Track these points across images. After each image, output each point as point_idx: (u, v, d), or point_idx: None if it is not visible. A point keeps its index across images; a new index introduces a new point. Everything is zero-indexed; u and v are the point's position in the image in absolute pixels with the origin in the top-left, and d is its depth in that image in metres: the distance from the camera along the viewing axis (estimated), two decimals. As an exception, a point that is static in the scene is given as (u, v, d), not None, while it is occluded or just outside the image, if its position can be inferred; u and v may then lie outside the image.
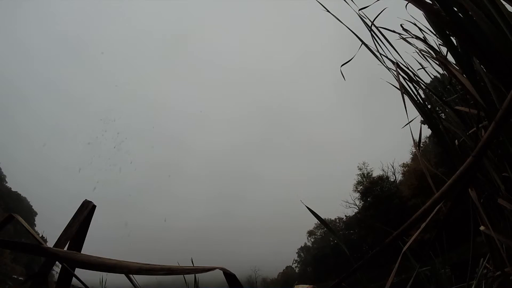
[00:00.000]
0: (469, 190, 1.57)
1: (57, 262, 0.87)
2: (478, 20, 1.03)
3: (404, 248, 1.27)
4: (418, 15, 1.88)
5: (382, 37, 1.87)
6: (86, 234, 1.02)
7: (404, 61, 1.94)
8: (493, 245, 1.63)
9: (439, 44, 1.95)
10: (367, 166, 42.68)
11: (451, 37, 1.36)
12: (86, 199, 1.04)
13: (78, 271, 0.97)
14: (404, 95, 1.73)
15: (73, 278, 0.98)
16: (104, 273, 3.16)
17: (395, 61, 1.87)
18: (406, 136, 2.10)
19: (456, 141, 1.87)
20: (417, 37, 2.04)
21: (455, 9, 1.10)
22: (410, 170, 35.61)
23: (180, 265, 0.79)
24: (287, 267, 54.71)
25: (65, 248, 0.93)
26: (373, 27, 1.88)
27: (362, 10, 1.90)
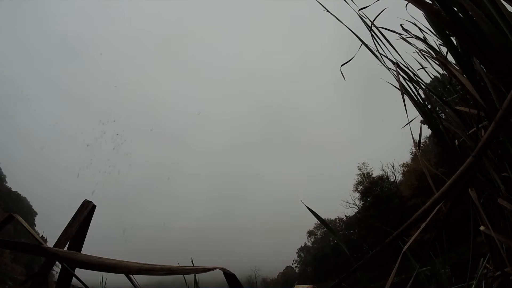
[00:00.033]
0: (469, 190, 1.57)
1: (57, 262, 0.87)
2: (478, 20, 1.03)
3: (404, 248, 1.27)
4: (418, 15, 1.88)
5: (382, 37, 1.87)
6: (86, 234, 1.02)
7: (404, 61, 1.94)
8: (493, 245, 1.63)
9: (439, 44, 1.95)
10: (367, 166, 42.71)
11: (451, 37, 1.36)
12: (86, 199, 1.04)
13: (78, 271, 0.97)
14: (404, 95, 1.73)
15: (73, 278, 0.98)
16: (104, 273, 3.16)
17: (395, 61, 1.87)
18: (406, 136, 2.10)
19: (456, 141, 1.87)
20: (417, 37, 2.04)
21: (455, 9, 1.10)
22: (410, 170, 35.61)
23: (180, 265, 0.79)
24: (287, 267, 54.74)
25: (65, 248, 0.93)
26: (373, 27, 1.88)
27: (362, 10, 1.90)
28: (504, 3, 1.01)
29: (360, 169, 42.74)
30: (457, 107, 1.93)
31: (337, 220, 46.07)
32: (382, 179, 40.82)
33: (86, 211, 1.01)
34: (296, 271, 52.07)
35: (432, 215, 0.95)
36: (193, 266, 0.81)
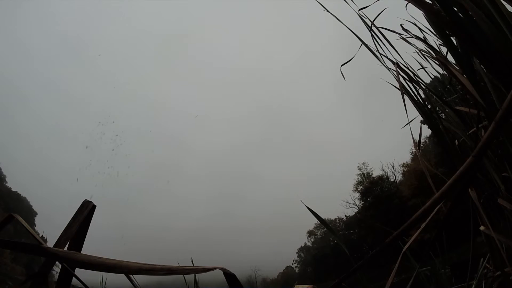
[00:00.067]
0: (469, 190, 1.57)
1: (57, 262, 0.87)
2: (478, 20, 1.03)
3: (404, 248, 1.27)
4: (418, 15, 1.88)
5: (382, 37, 1.87)
6: (86, 234, 1.02)
7: (404, 61, 1.94)
8: (493, 245, 1.63)
9: (439, 44, 1.95)
10: (367, 166, 42.71)
11: (451, 37, 1.36)
12: (86, 199, 1.04)
13: (78, 271, 0.97)
14: (404, 95, 1.73)
15: (73, 278, 0.98)
16: (104, 273, 3.16)
17: (395, 61, 1.88)
18: (406, 136, 2.09)
19: (456, 141, 1.87)
20: (417, 37, 2.04)
21: (455, 9, 1.10)
22: (410, 170, 35.60)
23: (180, 265, 0.79)
24: (287, 267, 54.74)
25: (65, 248, 0.93)
26: (373, 27, 1.88)
27: (362, 10, 1.90)
28: (504, 3, 1.01)
29: (360, 169, 42.78)
30: (457, 107, 1.93)
31: (337, 220, 46.09)
32: (382, 179, 40.82)
33: (86, 211, 1.01)
34: (296, 271, 52.08)
35: (432, 215, 0.95)
36: (193, 266, 0.81)
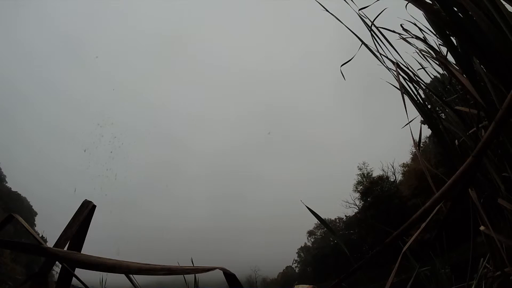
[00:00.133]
0: (469, 190, 1.57)
1: (57, 262, 0.87)
2: (478, 20, 1.03)
3: (404, 248, 1.27)
4: (418, 15, 1.88)
5: (382, 37, 1.88)
6: (86, 234, 1.02)
7: (404, 61, 1.94)
8: (493, 245, 1.63)
9: (439, 44, 1.95)
10: (367, 166, 42.68)
11: (451, 37, 1.36)
12: (86, 199, 1.04)
13: (78, 271, 0.97)
14: (404, 95, 1.73)
15: (73, 278, 0.98)
16: (104, 273, 3.16)
17: (395, 61, 1.88)
18: (406, 136, 2.09)
19: (456, 141, 1.88)
20: (417, 37, 2.05)
21: (455, 9, 1.10)
22: (410, 170, 35.61)
23: (180, 265, 0.79)
24: (287, 267, 54.74)
25: (65, 248, 0.93)
26: (373, 27, 1.88)
27: (362, 10, 1.91)
28: (504, 3, 1.01)
29: (360, 169, 42.76)
30: (457, 107, 1.93)
31: (337, 220, 46.08)
32: (382, 179, 40.81)
33: (86, 211, 1.01)
34: (296, 271, 52.07)
35: (432, 215, 0.95)
36: (193, 266, 0.81)
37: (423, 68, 2.26)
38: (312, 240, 50.13)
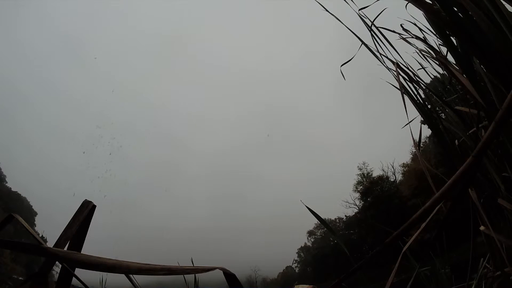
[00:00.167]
0: (469, 190, 1.57)
1: (57, 262, 0.87)
2: (478, 20, 1.03)
3: (404, 248, 1.27)
4: (418, 15, 1.88)
5: (382, 37, 1.88)
6: (86, 234, 1.02)
7: (404, 61, 1.94)
8: (493, 245, 1.63)
9: (439, 44, 1.95)
10: (367, 166, 42.66)
11: (451, 37, 1.36)
12: (86, 199, 1.04)
13: (78, 271, 0.97)
14: (404, 95, 1.73)
15: (73, 278, 0.98)
16: (104, 273, 3.16)
17: (395, 61, 1.88)
18: (406, 136, 2.09)
19: (456, 141, 1.88)
20: (417, 37, 2.05)
21: (455, 9, 1.10)
22: (410, 170, 35.59)
23: (180, 265, 0.79)
24: (287, 267, 54.72)
25: (65, 248, 0.93)
26: (373, 27, 1.88)
27: (362, 10, 1.90)
28: (504, 3, 1.01)
29: (360, 169, 42.73)
30: (457, 107, 1.93)
31: (337, 220, 46.06)
32: (382, 179, 40.79)
33: (86, 211, 1.01)
34: (296, 271, 52.05)
35: (432, 215, 0.95)
36: (193, 266, 0.81)
37: (423, 68, 2.26)
38: (312, 240, 50.12)
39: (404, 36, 2.08)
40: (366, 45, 1.91)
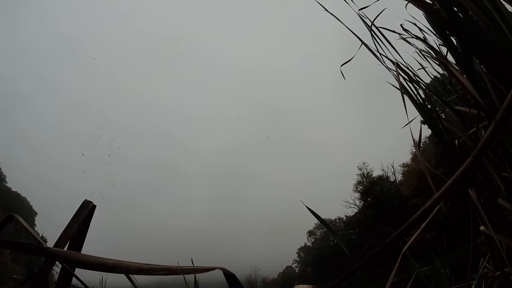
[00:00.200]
0: (469, 190, 1.57)
1: (57, 262, 0.87)
2: (478, 20, 1.03)
3: (404, 248, 1.27)
4: (418, 15, 1.88)
5: (382, 37, 1.88)
6: (86, 234, 1.02)
7: (404, 61, 1.94)
8: (493, 245, 1.63)
9: (439, 44, 1.95)
10: (367, 166, 42.66)
11: (451, 37, 1.36)
12: (86, 199, 1.04)
13: (78, 271, 0.97)
14: (404, 95, 1.73)
15: (73, 278, 0.98)
16: (104, 273, 3.16)
17: (395, 61, 1.88)
18: (406, 136, 2.09)
19: (456, 141, 1.88)
20: (417, 37, 2.05)
21: (455, 9, 1.10)
22: (410, 170, 35.60)
23: (180, 265, 0.79)
24: (287, 267, 54.73)
25: (65, 248, 0.93)
26: (373, 27, 1.88)
27: (362, 10, 1.90)
28: (504, 3, 1.01)
29: (360, 169, 42.74)
30: (457, 107, 1.93)
31: (337, 220, 46.06)
32: (382, 179, 40.79)
33: (86, 211, 1.01)
34: (296, 271, 52.06)
35: (432, 215, 0.95)
36: (193, 266, 0.81)
37: (423, 68, 2.26)
38: (312, 240, 50.13)
39: (404, 36, 2.08)
40: (366, 45, 1.91)
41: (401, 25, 2.08)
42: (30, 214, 44.23)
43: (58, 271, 0.97)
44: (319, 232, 48.36)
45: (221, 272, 0.78)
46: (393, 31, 2.08)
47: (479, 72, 1.32)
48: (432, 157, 24.33)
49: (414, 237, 1.27)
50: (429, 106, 1.95)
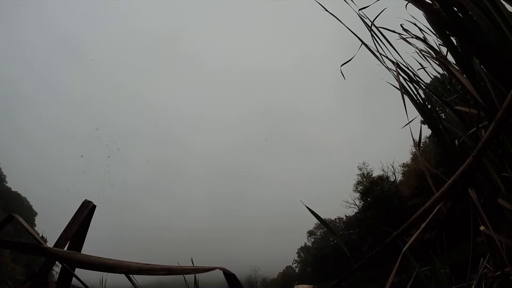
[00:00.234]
0: (469, 190, 1.57)
1: (57, 262, 0.87)
2: (478, 20, 1.03)
3: (404, 248, 1.27)
4: (418, 15, 1.88)
5: (382, 37, 1.88)
6: (86, 234, 1.02)
7: (404, 61, 1.94)
8: (493, 245, 1.63)
9: (439, 44, 1.95)
10: (367, 166, 42.66)
11: (451, 37, 1.36)
12: (86, 199, 1.04)
13: (78, 271, 0.98)
14: (404, 95, 1.73)
15: (73, 278, 0.99)
16: (104, 273, 3.16)
17: (395, 61, 1.88)
18: (406, 136, 2.09)
19: (456, 141, 1.88)
20: (417, 37, 2.05)
21: (455, 9, 1.10)
22: (410, 170, 35.60)
23: (180, 265, 0.79)
24: (287, 267, 54.73)
25: (65, 248, 0.93)
26: (373, 27, 1.88)
27: (362, 10, 1.91)
28: (504, 3, 1.01)
29: (360, 169, 42.74)
30: (457, 107, 1.93)
31: (337, 220, 46.06)
32: (382, 179, 40.79)
33: (86, 211, 1.01)
34: (296, 271, 52.06)
35: (432, 215, 0.95)
36: (193, 266, 0.81)
37: (423, 68, 2.26)
38: (312, 240, 50.12)
39: (404, 36, 2.08)
40: (366, 45, 1.91)
41: (401, 25, 2.08)
42: (30, 214, 44.22)
43: (58, 271, 0.97)
44: (319, 232, 48.36)
45: (221, 272, 0.78)
46: (393, 31, 2.08)
47: (479, 72, 1.32)
48: (432, 157, 24.33)
49: (414, 237, 1.27)
50: (429, 106, 1.95)
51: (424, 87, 1.99)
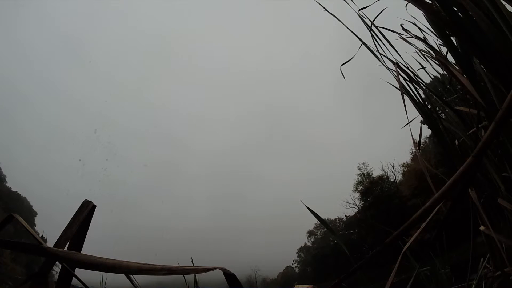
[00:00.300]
0: (469, 190, 1.57)
1: (57, 262, 0.87)
2: (478, 20, 1.03)
3: (404, 248, 1.27)
4: (418, 15, 1.88)
5: (382, 37, 1.88)
6: (86, 234, 1.02)
7: (404, 61, 1.94)
8: (493, 245, 1.63)
9: (439, 44, 1.95)
10: (367, 166, 42.66)
11: (451, 37, 1.36)
12: (86, 199, 1.04)
13: (78, 271, 0.97)
14: (404, 95, 1.73)
15: (73, 278, 0.98)
16: (104, 273, 3.16)
17: (395, 61, 1.88)
18: (406, 136, 2.09)
19: (456, 141, 1.88)
20: (417, 37, 2.05)
21: (455, 9, 1.10)
22: (410, 170, 35.59)
23: (180, 265, 0.79)
24: (287, 267, 54.73)
25: (65, 248, 0.93)
26: (373, 27, 1.88)
27: (362, 10, 1.91)
28: (504, 3, 1.01)
29: (360, 169, 42.73)
30: (457, 107, 1.93)
31: (337, 220, 46.05)
32: (382, 179, 40.78)
33: (86, 211, 1.01)
34: (296, 271, 52.05)
35: (432, 215, 0.95)
36: (193, 266, 0.81)
37: (423, 68, 2.26)
38: (312, 240, 50.12)
39: (404, 36, 2.08)
40: (366, 45, 1.91)
41: (401, 25, 2.08)
42: (30, 214, 44.21)
43: (58, 271, 0.97)
44: (319, 232, 48.35)
45: (221, 272, 0.78)
46: (393, 31, 2.08)
47: (479, 72, 1.32)
48: (432, 157, 24.33)
49: (414, 237, 1.27)
50: (429, 106, 1.95)
51: (424, 87, 1.99)
